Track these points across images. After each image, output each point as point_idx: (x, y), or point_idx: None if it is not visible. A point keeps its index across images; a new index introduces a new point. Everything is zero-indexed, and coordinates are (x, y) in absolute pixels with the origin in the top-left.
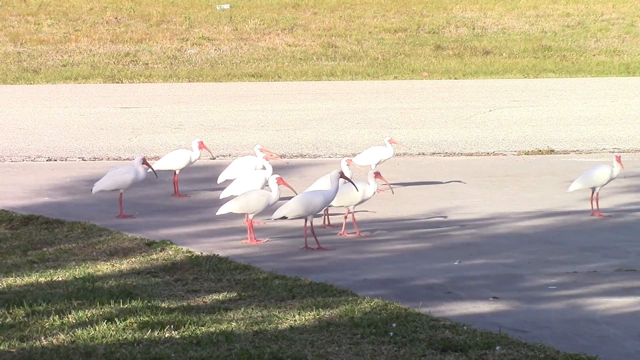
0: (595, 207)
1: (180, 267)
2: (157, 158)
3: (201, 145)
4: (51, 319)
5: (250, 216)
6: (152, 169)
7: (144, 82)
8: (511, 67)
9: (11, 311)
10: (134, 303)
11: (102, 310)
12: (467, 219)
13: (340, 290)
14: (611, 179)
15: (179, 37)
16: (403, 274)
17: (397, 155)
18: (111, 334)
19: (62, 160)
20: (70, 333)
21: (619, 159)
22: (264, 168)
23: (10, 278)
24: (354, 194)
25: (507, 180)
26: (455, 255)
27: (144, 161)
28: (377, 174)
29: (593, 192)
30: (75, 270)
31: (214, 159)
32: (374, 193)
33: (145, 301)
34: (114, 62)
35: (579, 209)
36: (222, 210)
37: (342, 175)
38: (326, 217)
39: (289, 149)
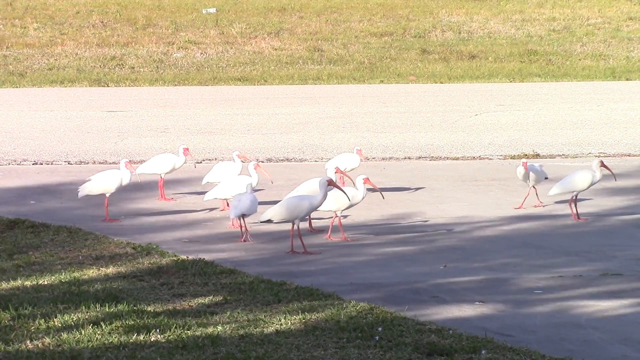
0: (575, 211)
1: (166, 271)
2: (143, 162)
3: (186, 152)
4: (37, 322)
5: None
6: (135, 173)
7: (130, 85)
8: (497, 72)
9: None
10: (119, 307)
11: (88, 314)
12: (453, 223)
13: (326, 294)
14: (592, 184)
15: (165, 41)
16: (389, 278)
17: (382, 159)
18: (97, 338)
19: (48, 164)
20: (56, 337)
21: (602, 164)
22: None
23: None
24: (342, 199)
25: (493, 184)
26: (441, 259)
27: (128, 165)
28: (366, 180)
29: (573, 197)
30: (61, 274)
31: (196, 166)
32: (362, 198)
33: (131, 305)
34: (100, 66)
35: (564, 213)
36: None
37: (330, 182)
38: (309, 221)
39: (275, 153)
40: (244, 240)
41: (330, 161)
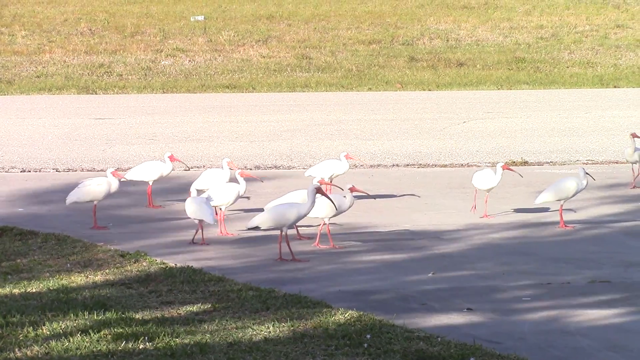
0: (562, 218)
1: (154, 278)
2: (130, 169)
3: (172, 158)
4: (25, 330)
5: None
6: (123, 179)
7: (118, 93)
8: (485, 79)
9: None
10: (108, 314)
11: (76, 321)
12: (442, 230)
13: (315, 302)
14: (578, 192)
15: (153, 49)
16: (377, 285)
17: (370, 167)
18: (85, 346)
19: (36, 171)
20: (45, 345)
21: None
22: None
23: None
24: (329, 206)
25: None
26: (430, 266)
27: (115, 173)
28: (353, 188)
29: (560, 204)
30: (49, 282)
31: (189, 169)
32: (350, 206)
33: (120, 313)
34: (88, 73)
35: (553, 220)
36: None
37: (318, 190)
38: (296, 228)
39: (263, 160)
40: (198, 243)
41: (312, 168)
